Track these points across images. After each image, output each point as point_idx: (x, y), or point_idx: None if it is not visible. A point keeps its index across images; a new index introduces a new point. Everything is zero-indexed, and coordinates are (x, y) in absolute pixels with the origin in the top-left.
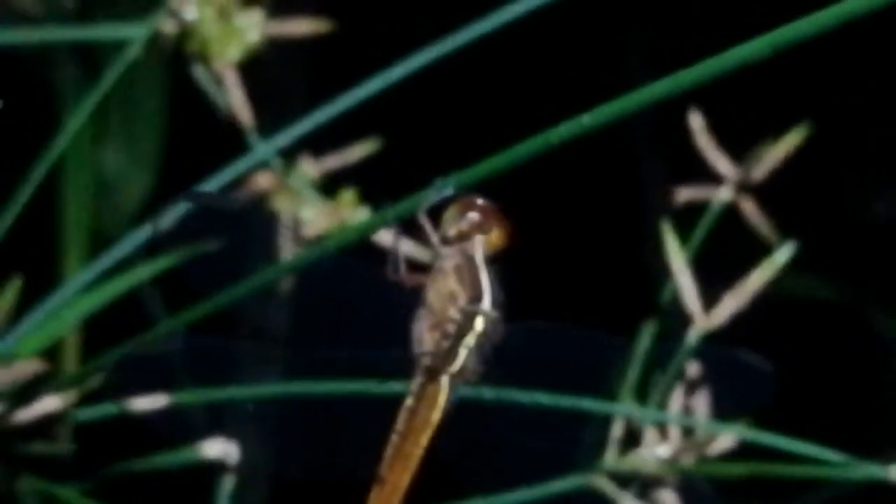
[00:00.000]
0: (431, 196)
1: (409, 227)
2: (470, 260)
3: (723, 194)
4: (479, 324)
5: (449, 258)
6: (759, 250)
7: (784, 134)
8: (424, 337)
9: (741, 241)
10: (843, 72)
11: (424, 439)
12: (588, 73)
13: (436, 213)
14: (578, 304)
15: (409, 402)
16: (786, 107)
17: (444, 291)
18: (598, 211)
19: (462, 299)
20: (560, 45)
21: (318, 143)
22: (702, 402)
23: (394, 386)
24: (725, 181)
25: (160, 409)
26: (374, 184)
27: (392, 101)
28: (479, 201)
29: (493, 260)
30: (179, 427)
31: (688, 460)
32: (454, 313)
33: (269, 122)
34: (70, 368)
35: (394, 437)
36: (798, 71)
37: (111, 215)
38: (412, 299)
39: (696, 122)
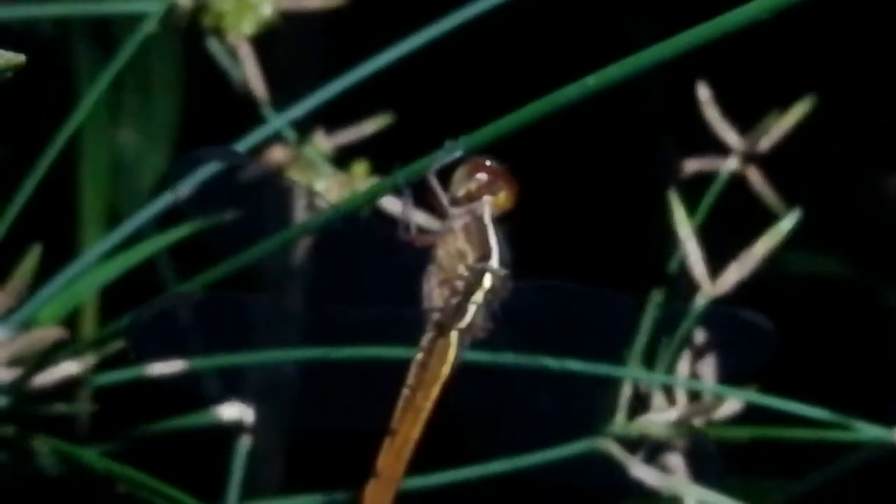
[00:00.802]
0: (441, 157)
1: (420, 189)
2: (478, 220)
3: (730, 165)
4: (487, 281)
5: (458, 218)
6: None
7: (792, 106)
8: (434, 293)
9: (752, 210)
10: (855, 46)
11: (434, 392)
12: (599, 41)
13: (446, 175)
14: (590, 268)
15: (419, 356)
16: (797, 80)
17: (453, 250)
18: (612, 178)
19: (471, 257)
20: (570, 13)
21: (332, 115)
22: (709, 367)
23: (404, 343)
24: (733, 152)
25: (178, 374)
26: (386, 156)
27: (404, 73)
28: (488, 162)
29: (502, 219)
30: (197, 390)
31: (695, 424)
32: (463, 271)
33: (284, 95)
34: (88, 335)
35: (405, 391)
36: (811, 45)
37: (127, 192)
38: (423, 258)
39: (704, 93)
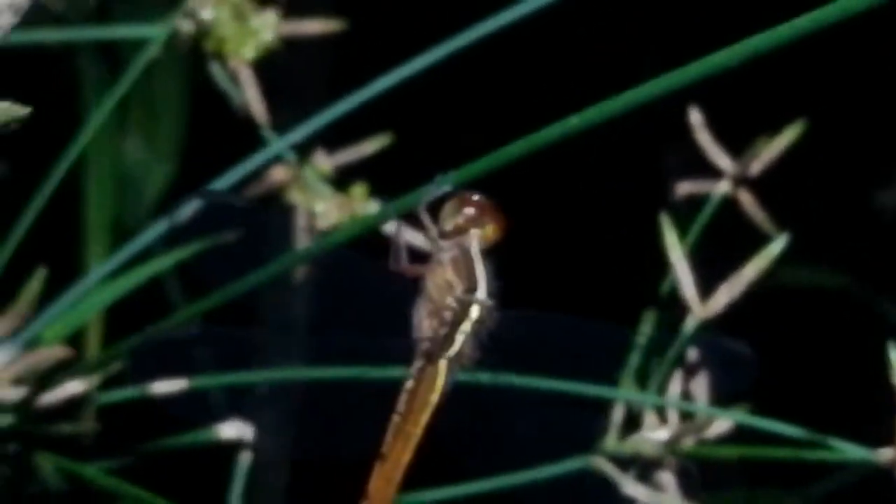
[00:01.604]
0: (431, 192)
1: (413, 221)
2: (466, 252)
3: (722, 188)
4: (474, 312)
5: (446, 251)
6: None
7: (785, 127)
8: (424, 324)
9: (747, 233)
10: (853, 62)
11: (424, 419)
12: (603, 70)
13: (436, 208)
14: (585, 293)
15: (409, 384)
16: (792, 97)
17: (441, 282)
18: (620, 204)
19: (458, 289)
20: (571, 42)
21: (333, 136)
22: (700, 388)
23: (396, 371)
24: (725, 175)
25: (181, 396)
26: (386, 178)
27: (405, 93)
28: (476, 197)
29: (489, 252)
30: (201, 414)
31: (686, 444)
32: (451, 302)
33: (289, 113)
34: (94, 353)
35: (395, 417)
36: (804, 63)
37: (133, 207)
38: (414, 289)
39: (696, 118)
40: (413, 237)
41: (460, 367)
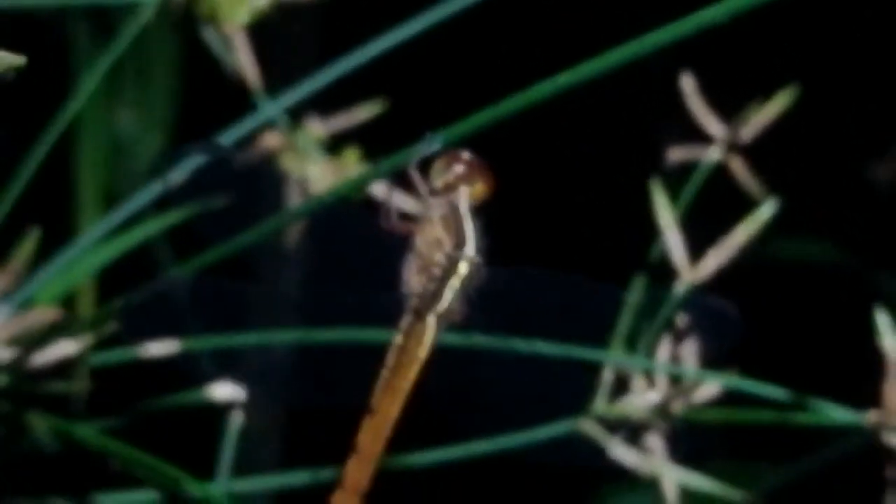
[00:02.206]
0: (421, 150)
1: (402, 179)
2: (455, 210)
3: (713, 154)
4: (462, 268)
5: (436, 208)
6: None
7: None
8: (413, 280)
9: (739, 198)
10: (849, 33)
11: (412, 373)
12: (595, 29)
13: (426, 166)
14: (579, 254)
15: (398, 339)
16: (787, 68)
17: (431, 238)
18: (616, 168)
19: (447, 246)
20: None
21: (326, 101)
22: (689, 352)
23: (385, 329)
24: (716, 142)
25: (175, 356)
26: (379, 142)
27: (398, 59)
28: (465, 155)
29: (478, 209)
30: (192, 368)
31: (675, 407)
32: (440, 258)
33: (281, 79)
34: (86, 316)
35: (384, 372)
36: (801, 32)
37: (125, 174)
38: (404, 245)
39: (688, 84)
40: (403, 197)
41: (449, 323)
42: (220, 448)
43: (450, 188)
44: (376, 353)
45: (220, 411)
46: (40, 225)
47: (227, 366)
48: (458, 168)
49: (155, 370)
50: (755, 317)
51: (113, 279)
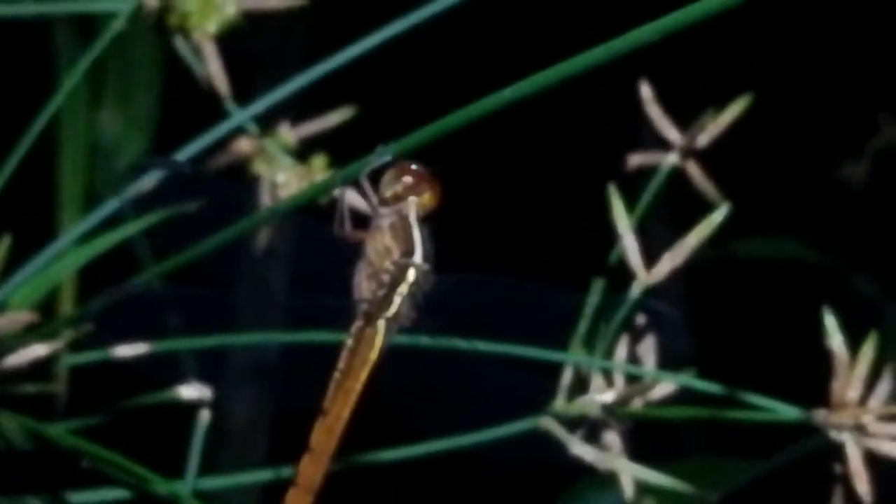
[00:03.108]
0: (372, 161)
1: (360, 188)
2: (404, 219)
3: (671, 160)
4: (410, 275)
5: (385, 217)
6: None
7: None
8: (363, 285)
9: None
10: (822, 34)
11: (363, 376)
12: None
13: (378, 177)
14: (537, 259)
15: (349, 342)
16: (760, 71)
17: (380, 246)
18: (576, 173)
19: (396, 253)
20: (530, 15)
21: (298, 107)
22: (646, 352)
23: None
24: (674, 147)
25: (152, 358)
26: (348, 149)
27: (368, 68)
28: (414, 167)
29: (426, 219)
30: (167, 372)
31: (632, 406)
32: (389, 265)
33: (256, 87)
34: (66, 316)
35: (336, 374)
36: (775, 34)
37: (106, 174)
38: (355, 253)
39: (646, 91)
40: (359, 204)
41: (399, 328)
42: (208, 448)
43: (398, 198)
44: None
45: (182, 412)
46: (20, 224)
47: (211, 369)
48: (407, 179)
49: (138, 373)
50: (723, 313)
51: (95, 278)
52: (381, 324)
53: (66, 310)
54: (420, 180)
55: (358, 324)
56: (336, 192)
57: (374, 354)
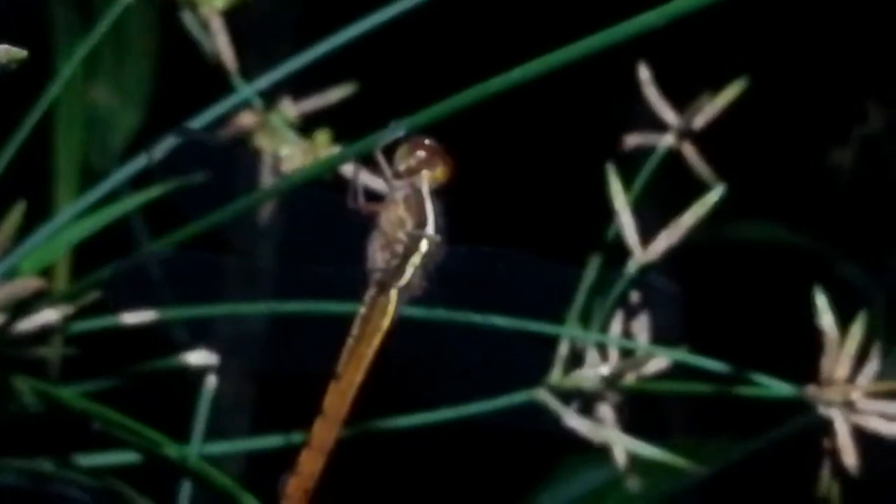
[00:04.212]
0: (386, 136)
1: (368, 162)
2: (417, 192)
3: (667, 141)
4: (423, 246)
5: (399, 190)
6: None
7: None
8: (377, 256)
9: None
10: (814, 25)
11: (375, 342)
12: (560, 22)
13: (391, 151)
14: (540, 235)
15: (362, 310)
16: (750, 56)
17: (394, 218)
18: (577, 154)
19: (409, 224)
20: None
21: (299, 82)
22: (640, 327)
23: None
24: (670, 129)
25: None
26: (350, 123)
27: (372, 41)
28: (427, 141)
29: (438, 192)
30: (165, 344)
31: (626, 379)
32: (402, 236)
33: (256, 63)
34: (60, 289)
35: (349, 340)
36: (769, 23)
37: (101, 151)
38: (368, 224)
39: (644, 73)
40: (370, 178)
41: (410, 297)
42: (188, 414)
43: (412, 172)
44: (342, 324)
45: (182, 379)
46: (16, 197)
47: (199, 335)
48: (421, 153)
49: (125, 337)
50: (718, 297)
51: (90, 253)
52: (393, 293)
53: (60, 283)
54: (433, 155)
55: (371, 292)
56: (349, 166)
57: (386, 322)
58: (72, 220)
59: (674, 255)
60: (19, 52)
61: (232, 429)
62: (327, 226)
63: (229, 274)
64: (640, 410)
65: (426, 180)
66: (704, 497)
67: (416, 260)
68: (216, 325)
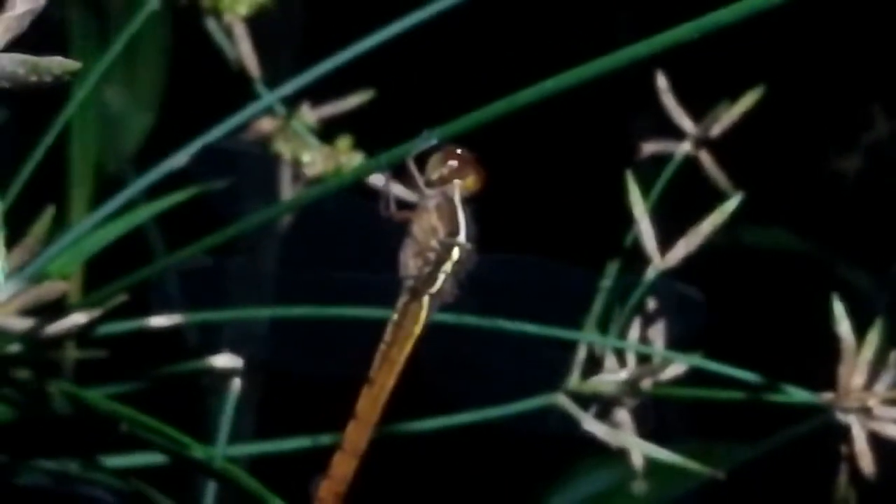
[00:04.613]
0: (418, 145)
1: (400, 171)
2: (449, 200)
3: (685, 149)
4: (455, 253)
5: (431, 198)
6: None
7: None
8: (409, 263)
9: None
10: (814, 34)
11: (407, 348)
12: (579, 34)
13: (422, 160)
14: (558, 242)
15: (395, 316)
16: (759, 64)
17: (426, 226)
18: (594, 162)
19: (441, 233)
20: (553, 9)
21: (317, 89)
22: (657, 333)
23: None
24: (687, 136)
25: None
26: (369, 130)
27: (390, 49)
28: (459, 151)
29: (469, 201)
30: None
31: (643, 385)
32: (435, 244)
33: (273, 69)
34: (75, 296)
35: (382, 346)
36: (770, 29)
37: (113, 152)
38: (400, 232)
39: (662, 81)
40: (400, 187)
41: (441, 303)
42: (188, 415)
43: (444, 181)
44: (365, 329)
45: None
46: (34, 203)
47: (208, 338)
48: (453, 163)
49: (134, 340)
50: (724, 301)
51: (100, 260)
52: (425, 300)
53: (75, 287)
54: (465, 164)
55: (403, 299)
56: (381, 175)
57: (418, 328)
58: (101, 222)
59: (688, 261)
60: (72, 64)
61: (236, 429)
62: (358, 232)
63: (242, 278)
64: (637, 416)
65: (458, 189)
66: (708, 500)
67: (447, 268)
68: (223, 326)
